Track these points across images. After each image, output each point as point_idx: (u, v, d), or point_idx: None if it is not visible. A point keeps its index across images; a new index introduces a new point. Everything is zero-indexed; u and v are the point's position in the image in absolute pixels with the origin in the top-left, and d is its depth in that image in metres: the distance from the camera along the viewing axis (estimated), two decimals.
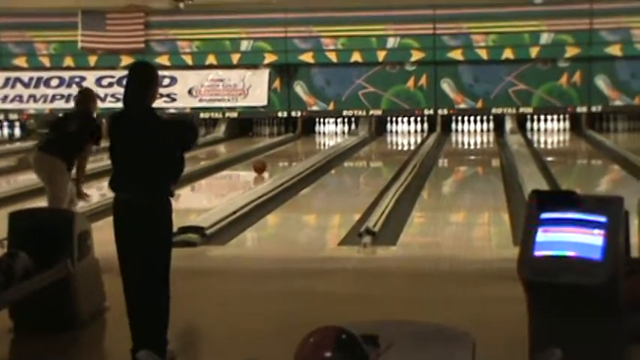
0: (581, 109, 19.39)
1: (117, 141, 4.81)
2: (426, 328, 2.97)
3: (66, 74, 20.48)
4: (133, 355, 4.69)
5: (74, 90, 20.45)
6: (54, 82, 20.62)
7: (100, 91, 20.26)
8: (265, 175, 13.51)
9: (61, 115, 8.31)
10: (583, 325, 3.45)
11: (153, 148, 4.68)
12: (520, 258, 3.43)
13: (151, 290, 4.72)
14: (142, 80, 4.80)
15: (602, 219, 3.38)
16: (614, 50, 19.10)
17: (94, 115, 7.93)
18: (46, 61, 20.60)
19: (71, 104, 20.57)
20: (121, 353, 5.02)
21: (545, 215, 3.45)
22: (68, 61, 20.51)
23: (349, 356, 2.34)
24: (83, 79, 20.45)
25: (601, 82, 19.29)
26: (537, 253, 3.41)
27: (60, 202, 7.56)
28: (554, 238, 3.42)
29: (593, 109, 19.36)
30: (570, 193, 3.53)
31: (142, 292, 4.72)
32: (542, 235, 3.43)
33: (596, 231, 3.38)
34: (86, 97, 8.00)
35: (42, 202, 10.67)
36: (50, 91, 20.61)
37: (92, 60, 20.34)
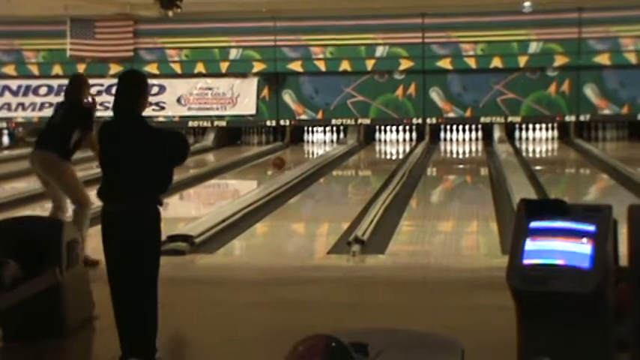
0: (570, 118, 19.47)
1: (107, 150, 4.77)
2: (415, 336, 2.97)
3: (54, 82, 20.43)
4: None
5: (63, 98, 20.44)
6: (42, 91, 20.56)
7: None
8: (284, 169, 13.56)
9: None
10: (572, 333, 3.46)
11: (143, 157, 4.65)
12: (509, 266, 3.43)
13: (140, 299, 4.71)
14: (132, 89, 4.78)
15: (591, 227, 3.39)
16: (603, 59, 19.20)
17: (88, 100, 7.73)
18: (35, 70, 20.55)
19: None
20: None
21: (534, 224, 3.46)
22: (57, 69, 20.46)
23: None
24: None
25: (589, 91, 19.38)
26: (526, 261, 3.41)
27: (76, 190, 7.49)
28: (543, 246, 3.42)
29: (582, 118, 19.44)
30: (559, 201, 3.54)
31: (130, 301, 4.70)
32: (531, 244, 3.44)
33: (584, 239, 3.39)
34: (74, 85, 7.81)
35: (30, 211, 10.64)
36: (39, 100, 20.55)
37: (81, 68, 20.28)
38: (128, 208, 4.62)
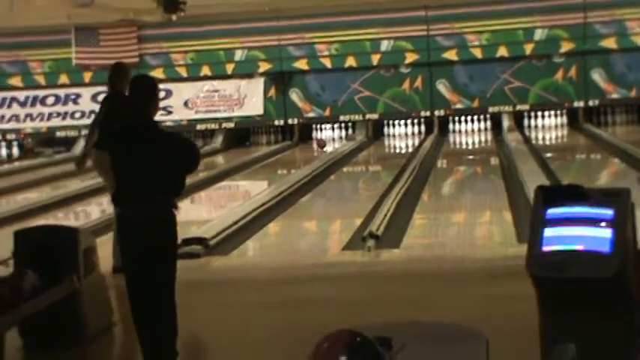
0: (578, 104, 19.38)
1: (121, 155, 4.76)
2: (438, 328, 2.95)
3: (61, 92, 20.47)
4: None
5: (70, 107, 20.47)
6: (50, 100, 20.60)
7: (97, 107, 20.20)
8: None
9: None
10: (594, 319, 3.44)
11: (158, 162, 4.65)
12: (528, 254, 3.41)
13: (160, 303, 4.71)
14: (144, 93, 4.78)
15: (610, 212, 3.37)
16: (609, 43, 19.11)
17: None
18: (41, 80, 20.59)
19: (67, 121, 20.66)
20: None
21: (551, 210, 3.44)
22: (63, 79, 20.50)
23: (364, 359, 2.33)
24: (79, 95, 20.44)
25: (597, 76, 19.29)
26: (545, 248, 3.39)
27: None
28: (562, 232, 3.40)
29: (590, 103, 19.36)
30: (576, 187, 3.52)
31: (150, 306, 4.70)
32: (549, 230, 3.42)
33: (603, 224, 3.37)
34: (116, 75, 7.49)
35: (44, 221, 10.66)
36: (46, 110, 20.59)
37: (87, 76, 20.33)
38: (146, 213, 4.63)
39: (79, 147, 20.25)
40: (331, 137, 20.20)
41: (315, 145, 19.53)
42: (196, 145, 5.12)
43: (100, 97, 20.13)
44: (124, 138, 4.81)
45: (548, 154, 15.30)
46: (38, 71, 20.54)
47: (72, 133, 20.38)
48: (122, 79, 7.40)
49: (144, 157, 4.67)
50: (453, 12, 19.26)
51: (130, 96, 4.87)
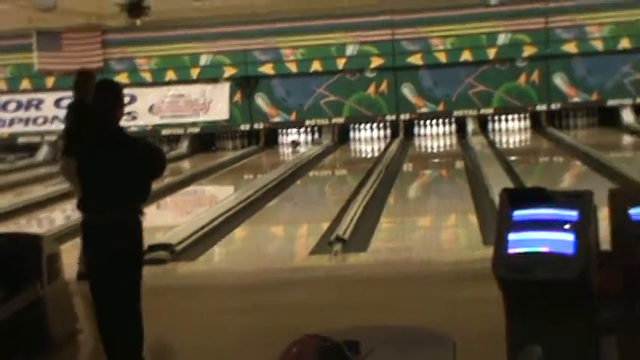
0: (541, 108, 19.57)
1: (86, 162, 4.73)
2: (406, 332, 2.96)
3: (23, 97, 20.26)
4: None
5: (33, 113, 20.26)
6: (12, 106, 20.37)
7: (59, 113, 20.05)
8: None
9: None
10: (559, 320, 3.48)
11: (124, 169, 4.63)
12: (494, 256, 3.44)
13: (125, 310, 4.68)
14: (109, 99, 4.73)
15: (574, 214, 3.41)
16: (570, 48, 19.32)
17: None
18: (3, 85, 20.36)
19: (30, 127, 20.45)
20: None
21: (516, 213, 3.47)
22: (25, 84, 20.29)
23: None
24: (42, 101, 20.25)
25: (559, 80, 19.50)
26: (511, 250, 3.42)
27: None
28: (527, 235, 3.44)
29: (553, 106, 19.55)
30: (540, 189, 3.56)
31: (116, 313, 4.67)
32: (514, 233, 3.45)
33: (567, 226, 3.41)
34: (82, 81, 7.44)
35: (6, 228, 10.53)
36: (8, 115, 20.36)
37: (50, 82, 20.14)
38: (111, 220, 4.59)
39: (41, 153, 20.09)
40: (298, 142, 20.18)
41: (287, 148, 19.53)
42: (162, 150, 5.10)
43: (64, 103, 20.06)
44: (90, 144, 4.78)
45: (512, 158, 15.43)
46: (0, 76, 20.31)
47: (34, 139, 20.18)
48: (88, 86, 7.37)
49: (109, 163, 4.64)
50: (418, 16, 19.37)
51: (95, 102, 4.82)
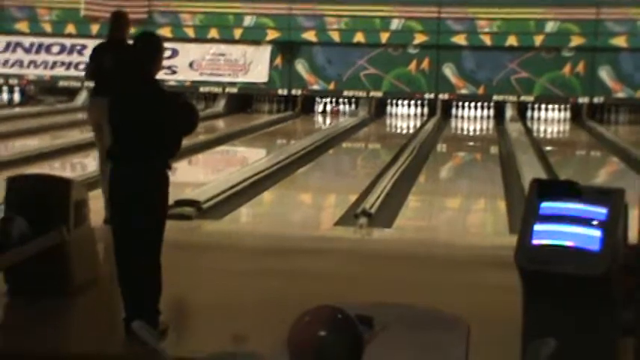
0: (583, 100, 19.33)
1: (120, 112, 4.77)
2: (421, 313, 2.96)
3: (67, 41, 20.36)
4: (125, 324, 4.70)
5: (75, 58, 20.37)
6: (55, 49, 20.50)
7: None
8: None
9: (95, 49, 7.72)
10: (578, 316, 3.45)
11: (155, 122, 4.66)
12: (518, 246, 3.42)
13: (144, 260, 4.73)
14: (148, 52, 4.77)
15: (603, 210, 3.37)
16: (619, 41, 19.02)
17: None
18: (48, 28, 20.48)
19: (72, 72, 20.57)
20: (114, 320, 5.04)
21: (545, 204, 3.43)
22: (70, 29, 20.39)
23: (344, 336, 2.33)
24: (85, 47, 20.32)
25: (604, 74, 19.22)
26: (535, 241, 3.39)
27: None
28: (553, 227, 3.40)
29: (595, 100, 19.31)
30: (571, 183, 3.51)
31: (134, 260, 4.72)
32: (540, 224, 3.42)
33: (595, 222, 3.37)
34: (117, 23, 7.46)
35: (39, 169, 10.65)
36: (51, 58, 20.50)
37: (94, 29, 20.21)
38: (138, 171, 4.64)
39: (80, 98, 20.23)
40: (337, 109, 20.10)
41: (322, 117, 19.50)
42: (196, 107, 5.11)
43: None
44: (124, 93, 4.82)
45: (549, 148, 15.28)
46: (45, 19, 20.42)
47: (75, 84, 20.31)
48: (123, 25, 7.39)
49: (142, 114, 4.68)
50: None
51: (135, 52, 4.84)
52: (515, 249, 3.41)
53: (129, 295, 4.75)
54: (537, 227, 3.41)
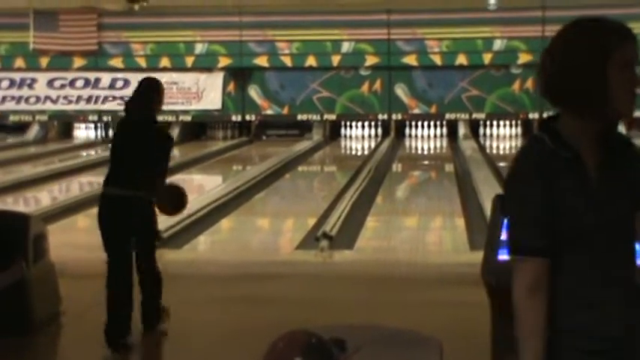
0: (533, 115, 19.61)
1: (120, 144, 5.40)
2: (393, 333, 2.96)
3: (17, 75, 20.16)
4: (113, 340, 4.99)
5: (25, 92, 20.16)
6: (4, 84, 20.26)
7: (52, 93, 19.98)
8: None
9: None
10: None
11: (149, 156, 5.26)
12: (484, 262, 3.44)
13: (150, 268, 5.41)
14: (150, 94, 5.40)
15: None
16: None
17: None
18: None
19: (22, 106, 20.35)
20: (76, 356, 4.95)
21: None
22: (19, 62, 20.19)
23: None
24: (35, 80, 20.15)
25: None
26: (501, 257, 3.42)
27: None
28: None
29: (545, 114, 19.56)
30: None
31: (141, 271, 5.37)
32: (505, 240, 3.45)
33: None
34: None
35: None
36: (0, 93, 20.25)
37: (44, 61, 20.05)
38: (131, 193, 5.19)
39: (32, 132, 20.00)
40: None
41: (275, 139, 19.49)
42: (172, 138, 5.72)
43: (57, 83, 20.01)
44: (125, 131, 5.41)
45: (502, 164, 15.45)
46: None
47: (26, 118, 20.09)
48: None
49: (138, 149, 5.28)
50: (414, 17, 19.37)
51: (136, 94, 5.38)
52: (481, 265, 3.44)
53: (116, 312, 5.12)
54: (502, 243, 3.44)
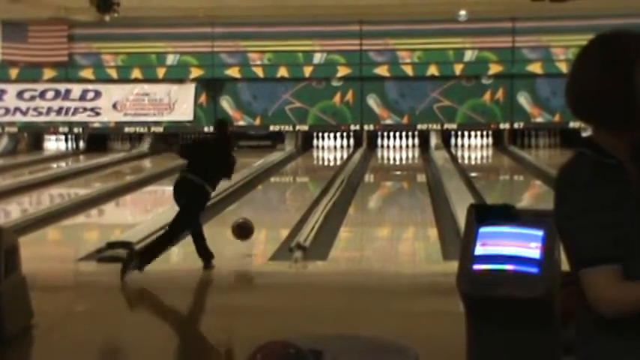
0: (504, 126, 19.76)
1: (199, 151, 7.98)
2: (369, 342, 2.96)
3: None
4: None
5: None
6: None
7: (22, 105, 19.82)
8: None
9: None
10: (521, 338, 3.49)
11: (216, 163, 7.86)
12: (459, 272, 3.45)
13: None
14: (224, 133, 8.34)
15: (540, 233, 3.43)
16: (535, 68, 19.55)
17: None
18: None
19: None
20: None
21: (483, 229, 3.48)
22: None
23: None
24: (4, 92, 19.97)
25: (523, 100, 19.71)
26: (476, 266, 3.43)
27: None
28: (493, 251, 3.45)
29: (516, 125, 19.76)
30: (508, 207, 3.57)
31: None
32: (480, 249, 3.46)
33: (533, 244, 3.42)
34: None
35: None
36: None
37: (13, 73, 19.89)
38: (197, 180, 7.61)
39: (1, 144, 19.81)
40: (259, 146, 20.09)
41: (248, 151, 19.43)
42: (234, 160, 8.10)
43: (26, 95, 19.84)
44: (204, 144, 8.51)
45: (474, 174, 15.54)
46: None
47: None
48: None
49: (213, 159, 7.79)
50: (386, 28, 19.46)
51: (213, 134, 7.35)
52: (456, 275, 3.45)
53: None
54: (477, 252, 3.45)
